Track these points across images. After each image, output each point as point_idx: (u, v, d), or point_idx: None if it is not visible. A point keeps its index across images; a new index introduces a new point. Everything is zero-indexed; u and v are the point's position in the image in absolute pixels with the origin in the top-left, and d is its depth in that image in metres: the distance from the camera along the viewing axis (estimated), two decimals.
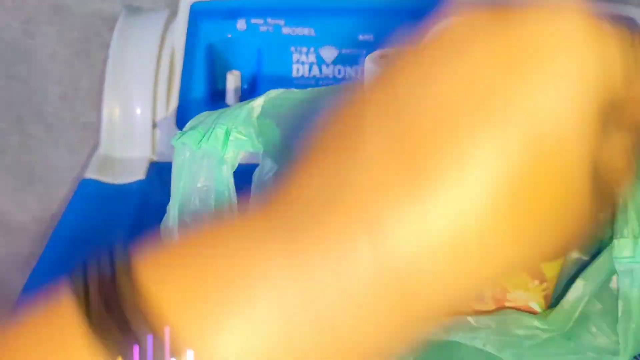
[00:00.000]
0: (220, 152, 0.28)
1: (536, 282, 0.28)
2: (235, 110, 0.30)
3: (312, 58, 0.56)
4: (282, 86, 0.57)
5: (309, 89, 0.31)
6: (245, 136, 0.29)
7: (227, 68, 0.58)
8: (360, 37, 0.56)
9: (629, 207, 0.26)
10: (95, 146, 0.57)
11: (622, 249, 0.25)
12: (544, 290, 0.28)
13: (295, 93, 0.31)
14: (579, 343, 0.27)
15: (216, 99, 0.58)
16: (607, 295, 0.27)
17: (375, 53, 0.27)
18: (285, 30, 0.56)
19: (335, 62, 0.56)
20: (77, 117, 0.76)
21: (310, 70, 0.56)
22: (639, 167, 0.26)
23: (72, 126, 0.77)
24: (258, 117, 0.29)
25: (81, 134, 0.77)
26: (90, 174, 0.55)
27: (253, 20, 0.56)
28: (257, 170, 0.33)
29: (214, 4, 0.57)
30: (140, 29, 0.58)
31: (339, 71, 0.56)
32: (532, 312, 0.28)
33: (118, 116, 0.56)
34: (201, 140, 0.29)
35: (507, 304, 0.28)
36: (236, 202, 0.28)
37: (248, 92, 0.58)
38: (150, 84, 0.56)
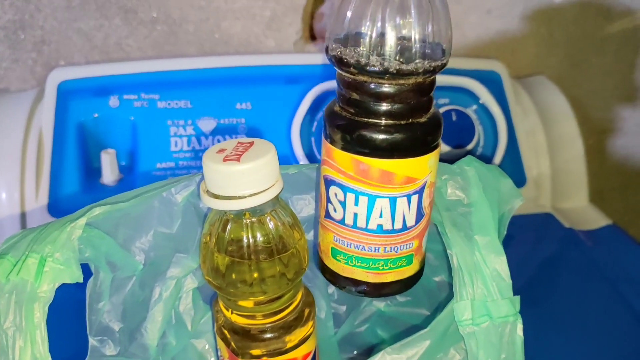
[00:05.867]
0: (32, 286, 0.24)
1: None
2: (55, 232, 0.26)
3: (190, 130, 0.55)
4: (161, 161, 0.55)
5: (132, 200, 0.29)
6: (62, 264, 0.25)
7: (102, 146, 0.55)
8: (238, 106, 0.56)
9: (463, 270, 0.26)
10: None
11: (462, 312, 0.26)
12: None
13: (119, 206, 0.28)
14: None
15: (92, 178, 0.55)
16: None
17: (212, 148, 0.26)
18: (161, 104, 0.55)
19: (213, 133, 0.55)
20: None
21: (189, 142, 0.55)
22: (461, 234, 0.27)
23: None
24: (84, 231, 0.26)
25: None
26: None
27: (126, 96, 0.55)
28: (90, 280, 0.30)
29: (83, 82, 0.55)
30: (4, 111, 0.55)
31: (218, 141, 0.55)
32: None
33: None
34: (10, 271, 0.24)
35: None
36: (46, 346, 0.23)
37: (126, 168, 0.56)
38: (16, 168, 0.53)
